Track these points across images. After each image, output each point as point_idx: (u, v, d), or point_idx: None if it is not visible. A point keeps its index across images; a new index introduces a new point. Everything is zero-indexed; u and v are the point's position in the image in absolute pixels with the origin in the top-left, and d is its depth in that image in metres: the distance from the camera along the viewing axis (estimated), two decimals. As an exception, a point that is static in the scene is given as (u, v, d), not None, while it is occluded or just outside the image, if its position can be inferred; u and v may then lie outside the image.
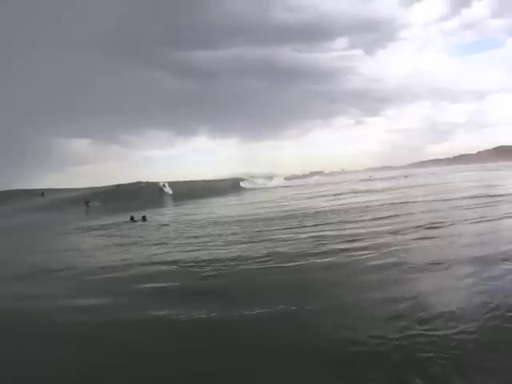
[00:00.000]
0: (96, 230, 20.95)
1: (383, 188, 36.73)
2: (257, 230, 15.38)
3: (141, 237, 16.53)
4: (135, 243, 14.83)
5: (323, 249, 10.89)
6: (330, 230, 13.98)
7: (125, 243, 15.06)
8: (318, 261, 9.63)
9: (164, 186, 48.04)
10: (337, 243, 11.49)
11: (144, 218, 23.19)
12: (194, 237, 15.16)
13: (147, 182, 53.79)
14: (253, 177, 73.65)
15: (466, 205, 17.75)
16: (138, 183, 55.11)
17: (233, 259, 10.42)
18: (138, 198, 41.83)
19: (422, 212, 16.85)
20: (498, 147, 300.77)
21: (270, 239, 13.15)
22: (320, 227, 14.87)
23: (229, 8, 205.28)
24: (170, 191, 47.51)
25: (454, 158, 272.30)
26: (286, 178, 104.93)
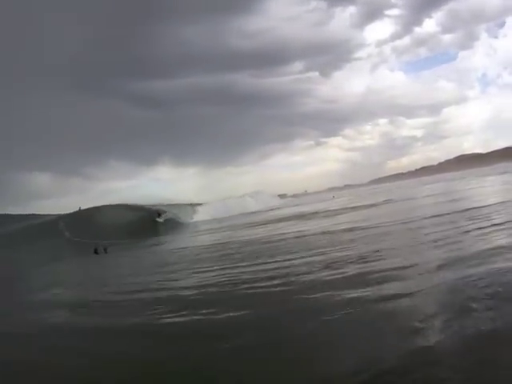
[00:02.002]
0: None
1: (322, 211, 34.12)
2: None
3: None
4: None
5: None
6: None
7: None
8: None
9: (159, 215, 41.48)
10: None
11: (105, 250, 23.80)
12: None
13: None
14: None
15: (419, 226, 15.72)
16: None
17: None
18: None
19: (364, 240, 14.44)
20: (458, 156, 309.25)
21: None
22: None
23: (185, 36, 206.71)
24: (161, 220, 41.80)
25: (416, 170, 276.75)
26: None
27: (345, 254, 12.42)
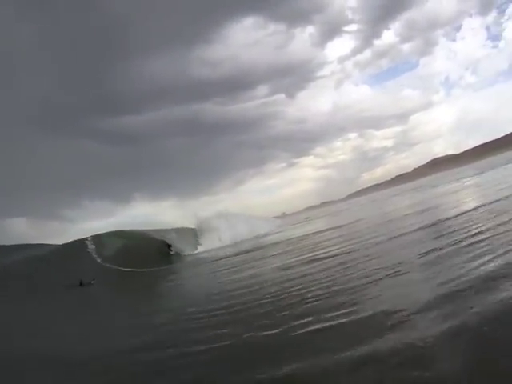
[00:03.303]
0: None
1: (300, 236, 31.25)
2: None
3: None
4: None
5: None
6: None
7: None
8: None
9: (170, 246, 37.53)
10: None
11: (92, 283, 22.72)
12: None
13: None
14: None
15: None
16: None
17: None
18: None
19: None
20: (431, 160, 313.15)
21: None
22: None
23: (150, 70, 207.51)
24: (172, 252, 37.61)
25: (392, 179, 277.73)
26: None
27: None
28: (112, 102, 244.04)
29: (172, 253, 36.40)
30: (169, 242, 37.33)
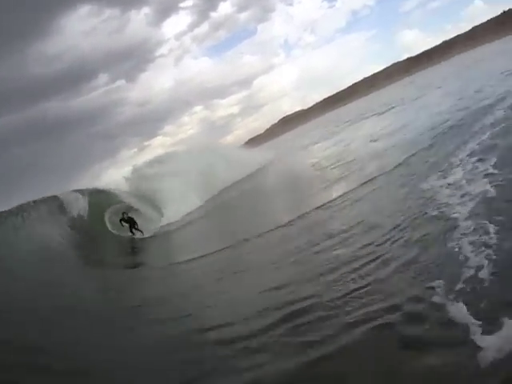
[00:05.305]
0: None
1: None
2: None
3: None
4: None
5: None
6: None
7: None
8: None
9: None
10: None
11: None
12: None
13: None
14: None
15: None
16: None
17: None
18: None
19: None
20: (282, 118, 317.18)
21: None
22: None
23: None
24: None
25: (246, 143, 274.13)
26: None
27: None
28: None
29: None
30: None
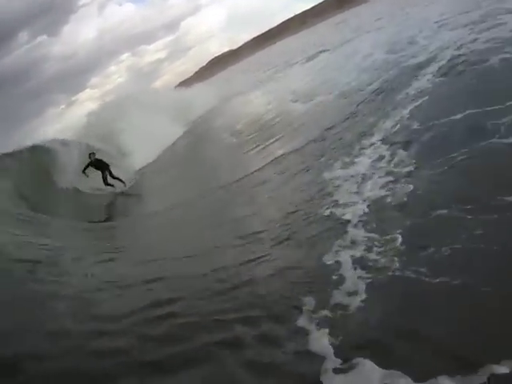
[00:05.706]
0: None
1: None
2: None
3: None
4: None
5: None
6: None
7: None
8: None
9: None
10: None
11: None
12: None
13: None
14: None
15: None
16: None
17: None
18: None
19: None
20: (211, 60, 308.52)
21: None
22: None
23: None
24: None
25: (175, 87, 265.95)
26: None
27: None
28: None
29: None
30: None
